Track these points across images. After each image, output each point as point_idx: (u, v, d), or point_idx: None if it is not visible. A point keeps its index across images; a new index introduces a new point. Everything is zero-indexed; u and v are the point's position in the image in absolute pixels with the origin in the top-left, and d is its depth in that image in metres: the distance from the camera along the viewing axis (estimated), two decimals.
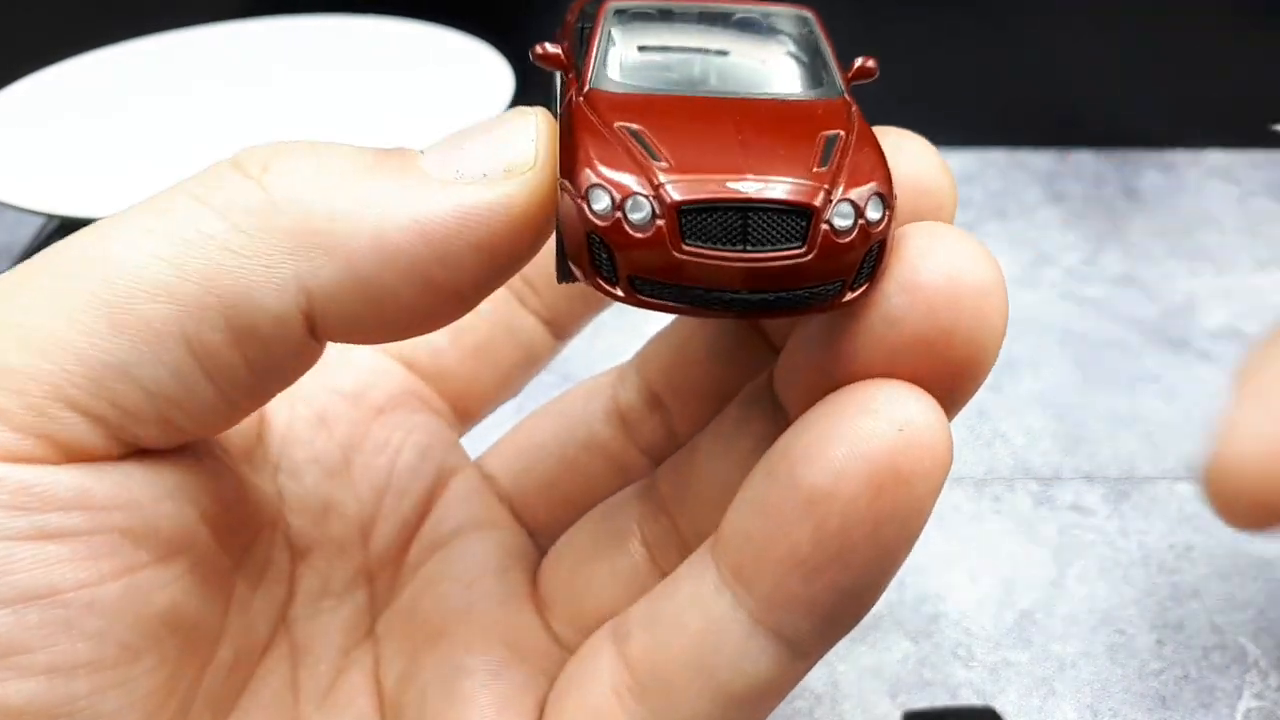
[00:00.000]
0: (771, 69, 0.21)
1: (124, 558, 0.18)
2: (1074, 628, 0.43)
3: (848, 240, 0.17)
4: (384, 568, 0.25)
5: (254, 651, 0.23)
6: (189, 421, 0.19)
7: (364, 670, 0.24)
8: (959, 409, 0.20)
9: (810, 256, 0.17)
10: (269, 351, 0.19)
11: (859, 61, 0.21)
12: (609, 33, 0.21)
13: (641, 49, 0.21)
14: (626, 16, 0.22)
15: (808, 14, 0.22)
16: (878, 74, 0.21)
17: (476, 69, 0.63)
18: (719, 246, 0.17)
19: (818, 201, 0.17)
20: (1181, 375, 0.56)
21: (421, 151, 0.20)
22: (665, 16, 0.22)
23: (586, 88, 0.20)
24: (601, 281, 0.18)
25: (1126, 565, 0.46)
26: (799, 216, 0.17)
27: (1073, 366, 0.57)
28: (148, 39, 0.68)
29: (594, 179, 0.17)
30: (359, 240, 0.18)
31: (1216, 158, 0.74)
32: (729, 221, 0.17)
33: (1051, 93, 0.75)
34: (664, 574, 0.24)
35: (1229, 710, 0.40)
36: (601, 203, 0.17)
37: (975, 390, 0.20)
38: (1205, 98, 0.74)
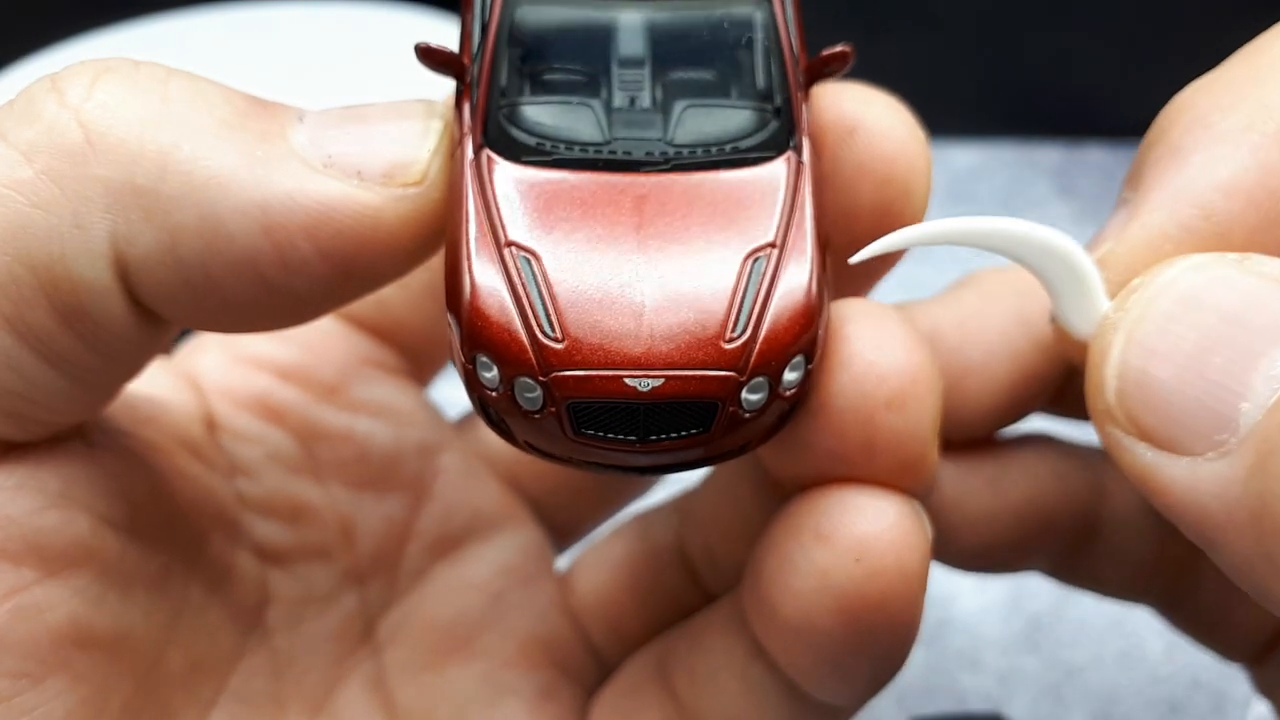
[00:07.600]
0: (710, 100, 0.18)
1: (2, 580, 0.16)
2: (1083, 632, 0.42)
3: (755, 415, 0.16)
4: (376, 569, 0.24)
5: (218, 660, 0.21)
6: (45, 412, 0.17)
7: (366, 679, 0.23)
8: (925, 484, 0.18)
9: (713, 436, 0.16)
10: (106, 329, 0.16)
11: (828, 51, 0.18)
12: (507, 39, 0.18)
13: (547, 59, 0.18)
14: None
15: None
16: (851, 62, 0.18)
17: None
18: (615, 437, 0.16)
19: (725, 393, 0.16)
20: None
21: (301, 119, 0.17)
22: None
23: (480, 141, 0.17)
24: (498, 434, 0.17)
25: None
26: (703, 408, 0.16)
27: None
28: (144, 23, 0.67)
29: (481, 339, 0.16)
30: (185, 214, 0.15)
31: None
32: (626, 416, 0.16)
33: (1061, 82, 0.74)
34: (707, 594, 0.23)
35: (1240, 717, 0.40)
36: (490, 372, 0.16)
37: (929, 472, 0.18)
38: None
